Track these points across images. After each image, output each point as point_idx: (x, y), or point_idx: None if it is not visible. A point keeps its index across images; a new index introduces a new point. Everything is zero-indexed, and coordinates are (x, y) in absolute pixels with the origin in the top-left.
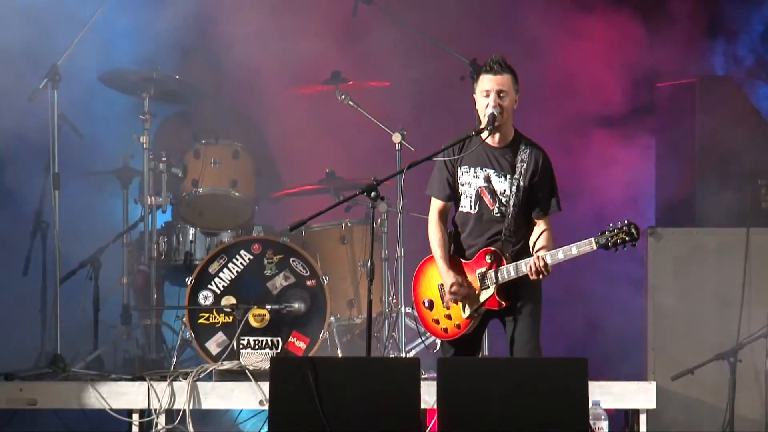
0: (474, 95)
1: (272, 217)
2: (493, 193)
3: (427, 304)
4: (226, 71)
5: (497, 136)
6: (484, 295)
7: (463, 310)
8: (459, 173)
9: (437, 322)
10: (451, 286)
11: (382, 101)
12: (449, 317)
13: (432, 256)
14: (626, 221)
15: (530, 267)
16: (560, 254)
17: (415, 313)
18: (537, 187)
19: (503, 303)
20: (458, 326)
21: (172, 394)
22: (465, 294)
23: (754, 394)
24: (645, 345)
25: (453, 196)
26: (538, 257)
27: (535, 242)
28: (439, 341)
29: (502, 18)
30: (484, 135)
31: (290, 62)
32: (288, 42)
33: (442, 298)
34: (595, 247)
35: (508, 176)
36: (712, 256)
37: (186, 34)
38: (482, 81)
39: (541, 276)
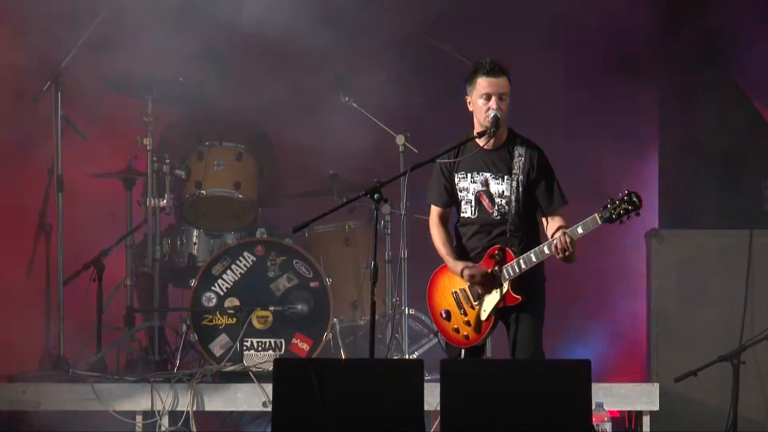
0: (467, 98)
1: (275, 219)
2: (491, 196)
3: (444, 315)
4: (229, 73)
5: (493, 138)
6: (500, 294)
7: (483, 312)
8: (456, 179)
9: (457, 330)
10: (464, 270)
11: (385, 103)
12: (468, 323)
13: (441, 267)
14: (626, 191)
15: (555, 246)
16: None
17: (418, 314)
18: (536, 183)
19: (518, 297)
20: (478, 331)
21: (176, 396)
22: (483, 276)
23: (757, 395)
24: (648, 347)
25: (452, 202)
26: (562, 232)
27: (553, 231)
28: (444, 343)
29: (505, 20)
30: (486, 138)
31: (294, 64)
32: (290, 44)
33: (458, 306)
34: (600, 222)
35: (506, 177)
36: (715, 258)
37: (189, 37)
38: (480, 84)
39: (567, 254)
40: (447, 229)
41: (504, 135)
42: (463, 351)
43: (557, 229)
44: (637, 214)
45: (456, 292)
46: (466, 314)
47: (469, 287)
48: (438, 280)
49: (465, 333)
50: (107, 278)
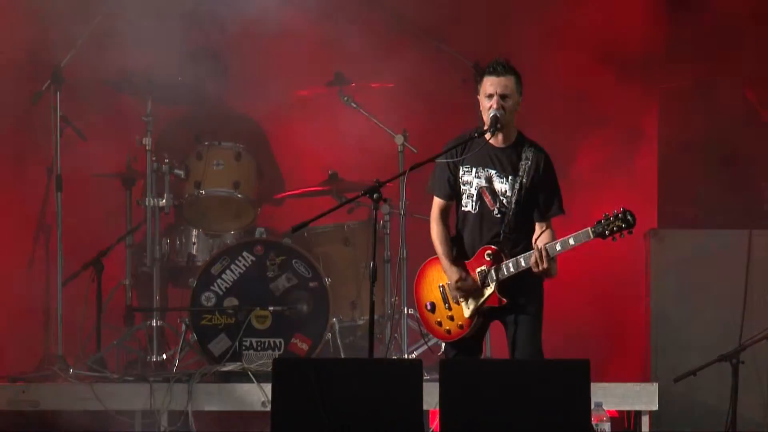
0: (477, 96)
1: (275, 219)
2: (494, 193)
3: (429, 307)
4: (228, 73)
5: (500, 137)
6: (485, 294)
7: (466, 309)
8: (461, 173)
9: (440, 324)
10: (456, 281)
11: (384, 103)
12: (452, 318)
13: (432, 259)
14: (622, 209)
15: (532, 259)
16: (558, 246)
17: (418, 315)
18: (538, 188)
19: (503, 300)
20: (461, 327)
21: (175, 395)
22: (470, 288)
23: (756, 395)
24: (647, 347)
25: (454, 195)
26: (537, 248)
27: (536, 240)
28: (442, 343)
29: (505, 20)
30: (487, 137)
31: (293, 64)
32: (291, 43)
33: (444, 300)
34: (592, 237)
35: (510, 177)
36: (715, 257)
37: (189, 37)
38: (485, 83)
39: (541, 268)
40: (446, 225)
41: (513, 135)
42: (444, 345)
43: (537, 239)
44: (630, 233)
45: (443, 286)
46: (450, 309)
47: None
48: (427, 272)
49: (447, 327)
50: (106, 278)
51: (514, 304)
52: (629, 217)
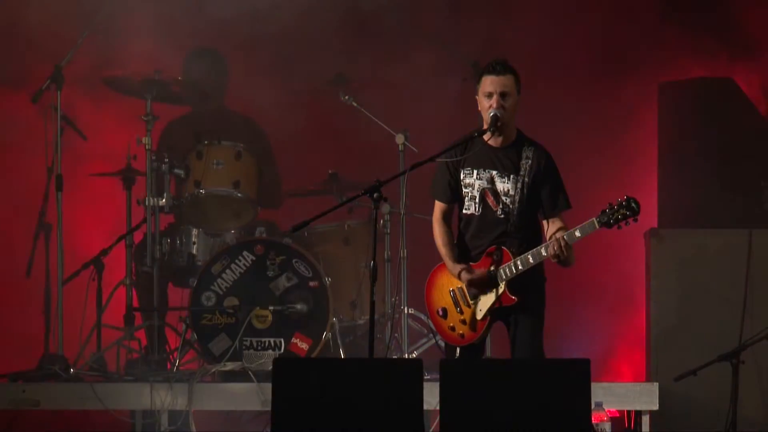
0: (476, 96)
1: (275, 218)
2: (496, 194)
3: (441, 313)
4: (228, 72)
5: (500, 137)
6: (495, 294)
7: (478, 312)
8: (462, 175)
9: (453, 329)
10: (461, 272)
11: (385, 102)
12: (464, 322)
13: (440, 265)
14: (625, 196)
15: (551, 249)
16: (566, 237)
17: (418, 314)
18: (541, 185)
19: (513, 298)
20: (474, 329)
21: (175, 395)
22: (478, 279)
23: (756, 395)
24: (648, 346)
25: (455, 198)
26: (556, 238)
27: (554, 234)
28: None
29: (504, 20)
30: (487, 136)
31: (294, 63)
32: (291, 43)
33: (455, 305)
34: (597, 227)
35: (512, 176)
36: (715, 257)
37: (189, 36)
38: (485, 82)
39: (562, 257)
40: (449, 227)
41: (513, 134)
42: (458, 349)
43: (556, 231)
44: (635, 220)
45: (453, 291)
46: (462, 313)
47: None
48: (437, 278)
49: (460, 332)
50: (107, 277)
51: (518, 303)
52: (633, 205)
